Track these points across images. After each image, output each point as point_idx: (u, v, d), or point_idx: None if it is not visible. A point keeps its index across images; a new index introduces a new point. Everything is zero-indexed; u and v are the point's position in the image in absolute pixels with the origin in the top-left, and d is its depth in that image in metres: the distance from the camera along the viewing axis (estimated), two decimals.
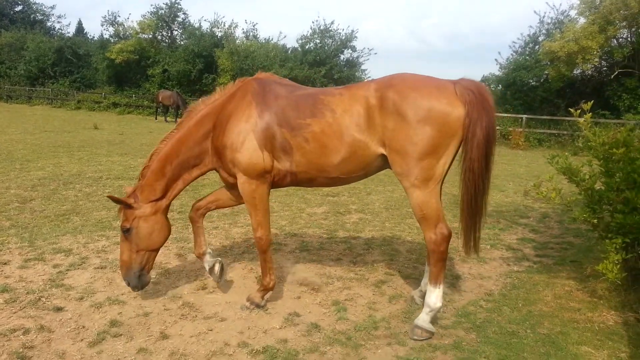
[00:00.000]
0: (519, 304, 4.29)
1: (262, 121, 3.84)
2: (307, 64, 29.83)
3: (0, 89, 38.89)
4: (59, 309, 3.88)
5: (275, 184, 4.08)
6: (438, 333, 3.72)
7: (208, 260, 4.30)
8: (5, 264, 4.77)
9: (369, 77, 35.27)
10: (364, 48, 32.65)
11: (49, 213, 6.64)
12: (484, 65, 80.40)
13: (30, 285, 4.30)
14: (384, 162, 3.80)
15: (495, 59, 24.39)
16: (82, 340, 3.45)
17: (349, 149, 3.73)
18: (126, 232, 4.01)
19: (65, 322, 3.69)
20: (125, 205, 4.02)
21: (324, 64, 29.89)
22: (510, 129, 19.88)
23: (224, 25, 33.56)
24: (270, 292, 4.19)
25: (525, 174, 12.05)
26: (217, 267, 4.21)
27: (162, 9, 35.27)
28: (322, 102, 3.80)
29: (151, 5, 40.62)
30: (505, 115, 21.50)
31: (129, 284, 4.02)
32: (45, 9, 58.42)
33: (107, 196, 4.10)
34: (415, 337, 3.64)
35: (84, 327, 3.63)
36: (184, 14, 36.27)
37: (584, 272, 4.88)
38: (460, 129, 3.52)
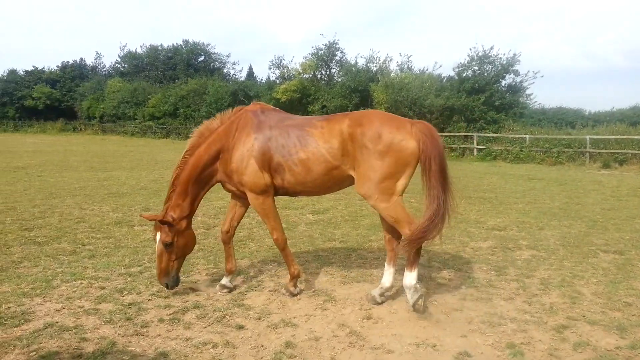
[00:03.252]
0: None
1: (260, 148, 4.77)
2: (465, 92, 29.04)
3: (187, 129, 44.98)
4: (240, 327, 4.23)
5: None
6: None
7: (225, 282, 5.16)
8: (195, 282, 5.39)
9: (536, 102, 32.95)
10: (528, 71, 30.57)
11: None
12: None
13: (216, 304, 4.78)
14: (354, 181, 4.73)
15: None
16: (261, 358, 3.70)
17: (327, 172, 4.71)
18: (168, 245, 4.79)
19: (246, 339, 4.01)
20: (168, 224, 4.78)
21: (483, 91, 28.79)
22: None
23: (379, 60, 34.56)
24: (298, 279, 5.07)
25: None
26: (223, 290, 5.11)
27: (322, 49, 37.69)
28: (308, 134, 4.75)
29: (312, 47, 43.74)
30: None
31: (167, 286, 4.86)
32: (222, 57, 66.82)
33: (144, 216, 5.04)
34: (372, 302, 4.81)
35: (262, 345, 3.90)
36: (341, 52, 38.26)
37: None
38: (413, 159, 4.50)
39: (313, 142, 4.71)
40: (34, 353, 3.67)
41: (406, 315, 4.57)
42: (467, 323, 4.38)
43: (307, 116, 5.23)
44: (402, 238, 4.57)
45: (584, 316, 4.50)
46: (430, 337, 4.08)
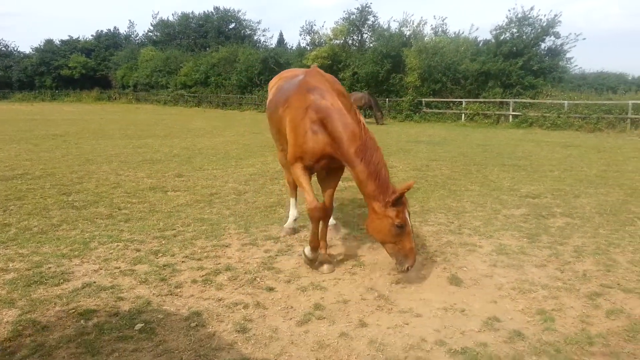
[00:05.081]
0: None
1: None
2: (502, 56, 28.08)
3: (217, 98, 45.22)
4: (270, 289, 4.31)
5: None
6: None
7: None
8: (227, 246, 5.50)
9: (576, 66, 31.60)
10: (570, 34, 29.22)
11: (259, 204, 7.47)
12: None
13: (247, 266, 4.87)
14: None
15: None
16: (290, 319, 3.78)
17: None
18: None
19: (276, 301, 4.10)
20: None
21: (521, 54, 27.76)
22: None
23: (413, 24, 33.60)
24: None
25: None
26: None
27: (354, 14, 36.86)
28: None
29: (343, 11, 42.91)
30: None
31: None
32: (253, 24, 66.27)
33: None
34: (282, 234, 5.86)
35: (292, 307, 3.97)
36: (374, 16, 37.33)
37: None
38: None
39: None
40: (73, 310, 3.85)
41: (435, 280, 4.56)
42: (497, 289, 4.35)
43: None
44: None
45: (618, 284, 4.40)
46: (458, 302, 4.08)
